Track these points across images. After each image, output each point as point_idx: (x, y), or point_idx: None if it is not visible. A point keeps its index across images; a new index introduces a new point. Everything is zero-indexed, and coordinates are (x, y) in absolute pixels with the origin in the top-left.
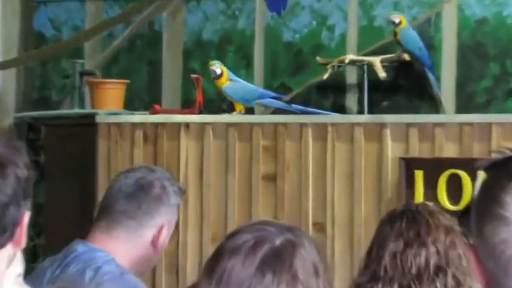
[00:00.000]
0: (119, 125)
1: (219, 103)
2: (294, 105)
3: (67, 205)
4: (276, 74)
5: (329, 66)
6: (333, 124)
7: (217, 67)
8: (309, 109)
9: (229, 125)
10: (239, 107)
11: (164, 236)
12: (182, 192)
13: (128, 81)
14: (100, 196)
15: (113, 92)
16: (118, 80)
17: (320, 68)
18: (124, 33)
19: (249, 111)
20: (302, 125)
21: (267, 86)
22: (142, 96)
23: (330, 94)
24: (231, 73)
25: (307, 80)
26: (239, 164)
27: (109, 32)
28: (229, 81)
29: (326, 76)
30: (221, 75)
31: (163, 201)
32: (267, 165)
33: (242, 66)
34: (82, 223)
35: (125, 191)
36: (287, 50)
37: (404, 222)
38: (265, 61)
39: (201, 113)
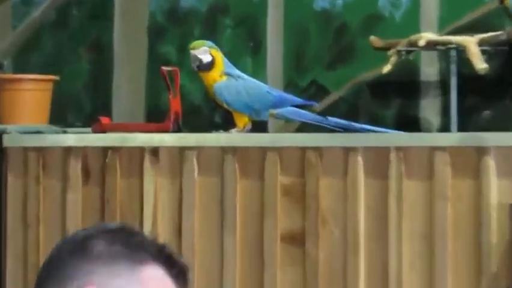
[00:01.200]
0: (42, 150)
1: (209, 113)
2: (332, 119)
3: None
4: (303, 65)
5: (391, 52)
6: (398, 148)
7: (204, 51)
8: (358, 125)
9: (225, 150)
10: (242, 120)
11: None
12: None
13: (56, 77)
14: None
15: (32, 96)
16: (39, 76)
17: (376, 55)
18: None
19: (259, 127)
20: (347, 151)
21: (289, 86)
22: (80, 103)
23: (394, 99)
24: (228, 63)
25: (354, 76)
26: (242, 215)
27: None
28: (225, 77)
29: (386, 69)
30: (212, 65)
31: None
32: (288, 218)
33: (247, 51)
34: None
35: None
36: (321, 26)
37: None
38: (285, 44)
39: (178, 130)
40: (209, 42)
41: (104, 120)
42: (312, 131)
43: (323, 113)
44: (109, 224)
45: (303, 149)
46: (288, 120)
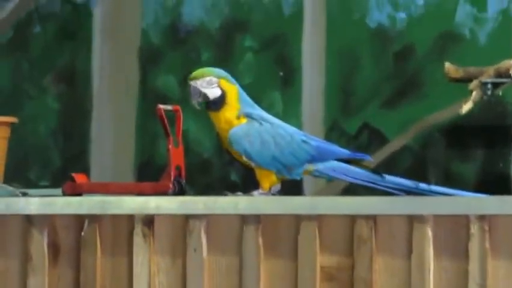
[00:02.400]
0: None
1: (222, 169)
2: (391, 177)
3: None
4: (352, 102)
5: (472, 84)
6: (481, 217)
7: (210, 83)
8: (425, 185)
9: (245, 218)
10: (267, 178)
11: None
12: None
13: (13, 119)
14: None
15: None
16: None
17: (452, 89)
18: (6, 6)
19: (291, 187)
20: (412, 220)
21: (332, 131)
22: (46, 155)
23: (475, 149)
24: (247, 100)
25: (421, 118)
26: None
27: None
28: (244, 120)
29: (466, 108)
30: (222, 102)
31: None
32: None
33: (275, 83)
34: None
35: None
36: (376, 49)
37: None
38: (327, 73)
39: (180, 192)
40: (218, 71)
41: (80, 178)
42: (364, 193)
43: (378, 168)
44: None
45: (352, 218)
46: (330, 179)
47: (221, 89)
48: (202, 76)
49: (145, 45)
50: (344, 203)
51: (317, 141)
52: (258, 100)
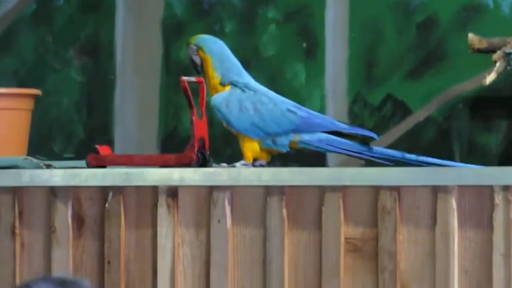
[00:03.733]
0: (18, 191)
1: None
2: (378, 149)
3: None
4: (375, 73)
5: (496, 55)
6: (505, 188)
7: (194, 51)
8: (415, 156)
9: (269, 190)
10: (249, 147)
11: None
12: None
13: (37, 91)
14: None
15: (4, 118)
16: (15, 90)
17: (476, 60)
18: None
19: (315, 159)
20: (436, 191)
21: (355, 102)
22: (70, 127)
23: (499, 120)
24: (237, 68)
25: (445, 89)
26: (292, 279)
27: None
28: (228, 87)
29: (489, 79)
30: (203, 69)
31: None
32: (356, 283)
33: (298, 55)
34: None
35: None
36: (400, 21)
37: None
38: (350, 45)
39: (204, 163)
40: (201, 39)
41: (103, 150)
42: (388, 165)
43: (402, 140)
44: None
45: (376, 189)
46: (315, 150)
47: (200, 57)
48: (190, 43)
49: (168, 17)
50: (368, 174)
51: (308, 113)
52: (281, 71)
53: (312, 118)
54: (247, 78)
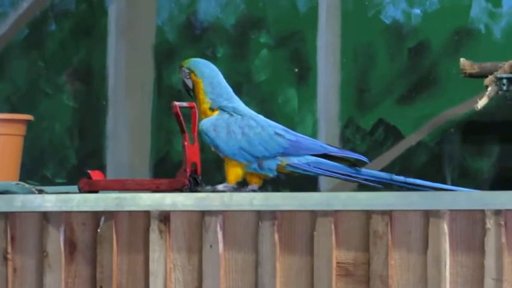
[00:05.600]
0: (10, 216)
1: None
2: (367, 171)
3: None
4: (367, 99)
5: (488, 80)
6: (497, 212)
7: (186, 74)
8: (403, 178)
9: (262, 215)
10: (233, 171)
11: None
12: None
13: (29, 117)
14: None
15: None
16: (7, 116)
17: (468, 84)
18: (16, 11)
19: (306, 184)
20: (427, 216)
21: (347, 127)
22: (62, 152)
23: (491, 145)
24: (223, 91)
25: (436, 114)
26: None
27: None
28: (217, 112)
29: (481, 104)
30: (194, 94)
31: None
32: None
33: (290, 80)
34: None
35: None
36: (391, 45)
37: None
38: (342, 70)
39: (196, 188)
40: (193, 62)
41: (96, 175)
42: (379, 189)
43: (394, 164)
44: None
45: (368, 213)
46: (304, 174)
47: (192, 80)
48: (182, 66)
49: (160, 42)
50: (360, 199)
51: (296, 136)
52: (273, 96)
53: (300, 141)
54: (236, 103)
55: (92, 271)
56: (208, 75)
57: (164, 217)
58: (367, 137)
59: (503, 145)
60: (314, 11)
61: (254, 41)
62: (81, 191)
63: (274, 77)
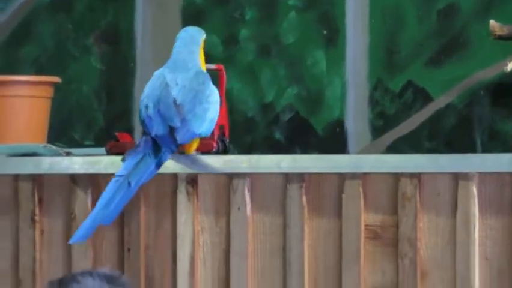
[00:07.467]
0: (38, 179)
1: (266, 128)
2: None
3: None
4: (396, 60)
5: None
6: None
7: None
8: None
9: (289, 177)
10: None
11: None
12: None
13: (57, 79)
14: None
15: (24, 105)
16: (34, 78)
17: (498, 46)
18: None
19: (335, 145)
20: (456, 178)
21: (376, 89)
22: (90, 115)
23: None
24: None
25: (466, 76)
26: (313, 266)
27: None
28: None
29: (510, 66)
30: None
31: None
32: (376, 271)
33: (318, 42)
34: None
35: None
36: (421, 7)
37: None
38: (371, 32)
39: (224, 150)
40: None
41: (123, 137)
42: (408, 151)
43: (424, 126)
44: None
45: (397, 176)
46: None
47: None
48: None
49: (188, 4)
50: (388, 161)
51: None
52: (301, 58)
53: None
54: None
55: (120, 234)
56: None
57: (192, 179)
58: (396, 99)
59: None
60: None
61: (282, 4)
62: (108, 153)
63: (303, 39)
